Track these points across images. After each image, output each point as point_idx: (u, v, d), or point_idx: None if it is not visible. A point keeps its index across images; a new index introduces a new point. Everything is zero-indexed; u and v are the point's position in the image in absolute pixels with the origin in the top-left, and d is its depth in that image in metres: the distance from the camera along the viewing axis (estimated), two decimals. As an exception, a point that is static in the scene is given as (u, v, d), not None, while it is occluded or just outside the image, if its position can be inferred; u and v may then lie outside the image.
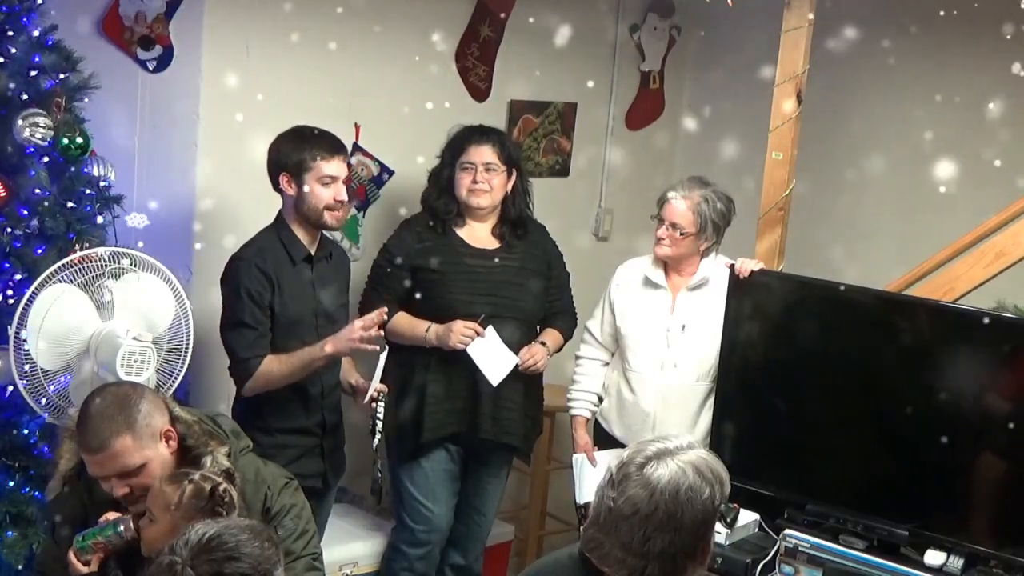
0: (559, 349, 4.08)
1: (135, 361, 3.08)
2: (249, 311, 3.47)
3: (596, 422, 4.05)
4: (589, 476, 3.92)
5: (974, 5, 4.22)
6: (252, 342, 3.48)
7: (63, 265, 3.17)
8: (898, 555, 3.42)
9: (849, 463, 3.60)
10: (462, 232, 3.95)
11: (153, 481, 2.60)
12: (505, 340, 3.84)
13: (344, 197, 3.57)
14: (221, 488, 2.54)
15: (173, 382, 3.28)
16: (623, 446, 3.42)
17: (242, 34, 4.03)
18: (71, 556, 2.61)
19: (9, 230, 3.37)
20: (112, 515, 2.64)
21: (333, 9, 4.19)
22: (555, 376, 4.23)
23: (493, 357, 3.82)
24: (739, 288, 3.75)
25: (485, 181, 3.89)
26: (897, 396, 3.50)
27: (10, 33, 3.37)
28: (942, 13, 4.27)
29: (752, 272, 3.74)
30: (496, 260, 3.94)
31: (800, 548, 3.49)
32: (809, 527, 3.54)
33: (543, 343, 3.97)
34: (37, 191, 3.39)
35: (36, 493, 3.37)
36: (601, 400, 4.03)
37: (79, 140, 3.45)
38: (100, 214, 3.51)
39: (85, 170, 3.51)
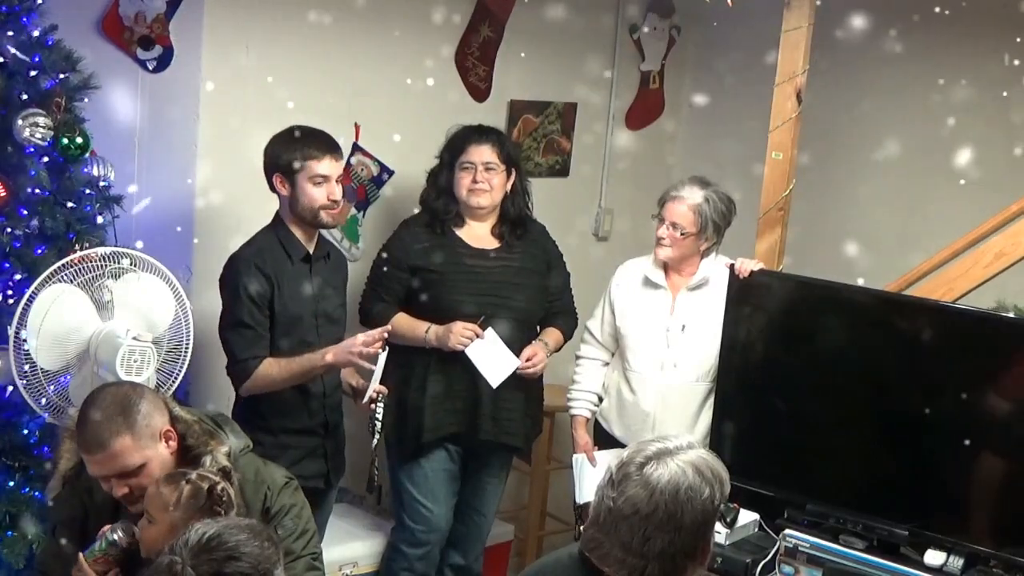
0: (559, 349, 4.08)
1: (135, 361, 3.08)
2: (248, 311, 3.47)
3: (596, 422, 4.05)
4: (589, 476, 3.92)
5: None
6: (251, 342, 3.48)
7: (63, 265, 3.17)
8: (898, 555, 3.42)
9: (849, 463, 3.60)
10: (462, 232, 3.95)
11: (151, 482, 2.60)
12: (505, 340, 3.83)
13: (338, 196, 3.56)
14: (219, 487, 2.54)
15: (173, 382, 3.28)
16: (623, 446, 3.42)
17: (242, 34, 4.03)
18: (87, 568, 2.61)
19: (9, 230, 3.36)
20: (107, 527, 2.64)
21: (333, 9, 4.19)
22: (555, 376, 4.23)
23: (493, 359, 3.82)
24: (739, 288, 3.75)
25: (485, 181, 3.89)
26: (897, 396, 3.51)
27: (10, 33, 3.36)
28: (937, 10, 4.27)
29: (752, 272, 3.74)
30: (496, 260, 3.94)
31: (800, 548, 3.49)
32: (809, 527, 3.54)
33: (544, 342, 3.97)
34: (37, 191, 3.39)
35: (36, 493, 3.37)
36: (601, 400, 4.03)
37: (79, 140, 3.45)
38: (100, 214, 3.51)
39: (85, 170, 3.51)
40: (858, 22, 4.47)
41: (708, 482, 2.14)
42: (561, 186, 5.01)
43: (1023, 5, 4.04)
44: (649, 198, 4.08)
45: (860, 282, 4.09)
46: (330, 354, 3.45)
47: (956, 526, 3.40)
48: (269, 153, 3.58)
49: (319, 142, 3.55)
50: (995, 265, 3.63)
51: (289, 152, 3.52)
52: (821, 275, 3.82)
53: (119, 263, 3.23)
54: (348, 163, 4.27)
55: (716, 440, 3.73)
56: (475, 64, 4.65)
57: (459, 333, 3.78)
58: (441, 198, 3.94)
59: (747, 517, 3.70)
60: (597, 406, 4.03)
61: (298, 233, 3.59)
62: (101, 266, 3.20)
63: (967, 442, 3.37)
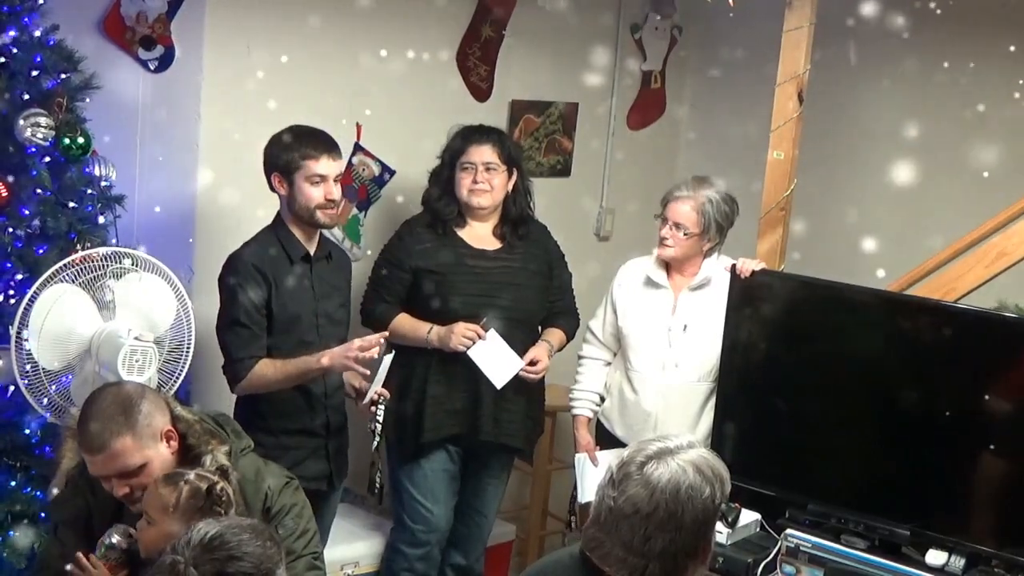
0: (561, 349, 4.08)
1: (136, 361, 3.07)
2: (244, 310, 3.47)
3: (598, 422, 4.05)
4: (591, 476, 3.92)
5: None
6: (246, 341, 3.48)
7: (64, 265, 3.17)
8: (899, 555, 3.41)
9: (850, 463, 3.60)
10: (463, 233, 3.95)
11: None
12: (507, 341, 3.83)
13: (335, 195, 3.56)
14: (218, 487, 2.54)
15: (174, 382, 3.28)
16: (625, 446, 3.40)
17: (243, 34, 4.03)
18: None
19: (10, 230, 3.36)
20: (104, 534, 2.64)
21: (334, 9, 4.20)
22: (556, 376, 4.22)
23: (496, 360, 3.82)
24: (740, 288, 3.75)
25: (485, 181, 3.89)
26: (898, 396, 3.50)
27: (11, 33, 3.37)
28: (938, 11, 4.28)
29: (753, 272, 3.74)
30: (497, 260, 3.94)
31: (801, 548, 3.48)
32: (810, 527, 3.54)
33: (548, 343, 3.97)
34: (38, 191, 3.39)
35: (38, 493, 3.37)
36: (603, 400, 4.03)
37: (80, 140, 3.45)
38: (101, 214, 3.51)
39: (86, 170, 3.51)
40: (859, 21, 4.47)
41: (709, 481, 2.13)
42: (562, 186, 5.01)
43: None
44: (651, 198, 4.08)
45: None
46: (326, 358, 3.44)
47: (958, 526, 3.40)
48: (268, 153, 3.58)
49: (316, 141, 3.55)
50: (997, 265, 3.63)
51: (287, 152, 3.52)
52: (822, 275, 3.81)
53: (120, 263, 3.23)
54: (349, 163, 4.28)
55: (717, 440, 3.72)
56: (476, 64, 4.65)
57: (461, 334, 3.78)
58: (442, 198, 3.94)
59: (748, 517, 3.70)
60: (599, 406, 4.03)
61: (298, 233, 3.59)
62: (103, 266, 3.20)
63: (969, 442, 3.37)
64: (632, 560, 2.11)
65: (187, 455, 2.70)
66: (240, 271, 3.50)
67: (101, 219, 3.51)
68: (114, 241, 3.51)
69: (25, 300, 3.12)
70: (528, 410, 4.00)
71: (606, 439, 4.00)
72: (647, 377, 3.88)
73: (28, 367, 3.12)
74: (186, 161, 4.03)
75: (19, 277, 3.34)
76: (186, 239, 4.02)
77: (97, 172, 3.54)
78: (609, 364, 4.03)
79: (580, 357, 4.08)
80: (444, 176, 3.96)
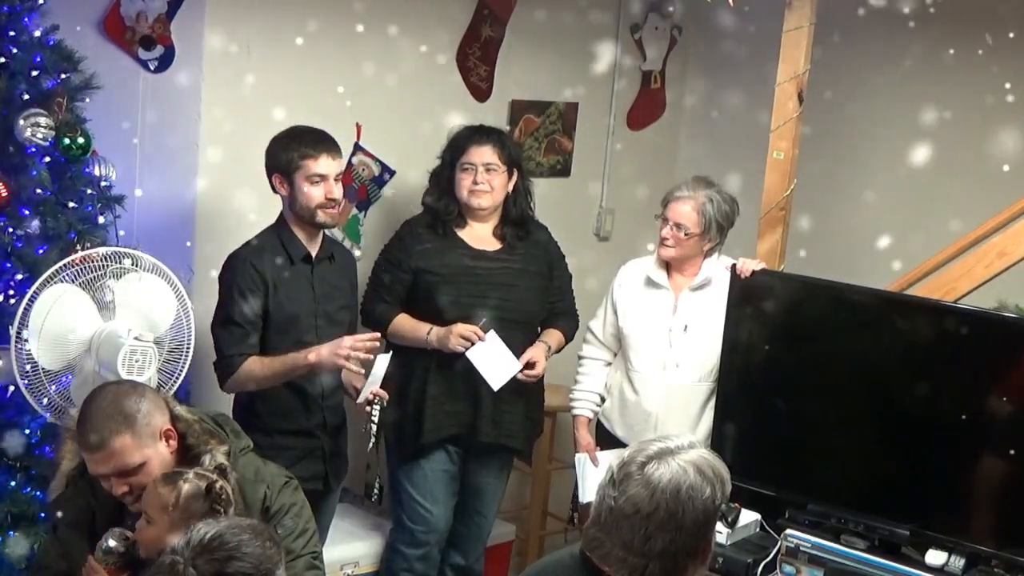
0: (560, 350, 4.08)
1: (136, 361, 3.07)
2: (238, 309, 3.48)
3: (598, 422, 4.05)
4: (591, 476, 3.92)
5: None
6: (238, 339, 3.49)
7: (64, 265, 3.17)
8: (899, 555, 3.42)
9: (850, 463, 3.60)
10: (463, 233, 3.95)
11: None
12: (506, 341, 3.82)
13: (336, 195, 3.56)
14: (217, 486, 2.54)
15: (174, 382, 3.28)
16: (625, 446, 3.41)
17: (243, 34, 4.03)
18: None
19: (10, 230, 3.36)
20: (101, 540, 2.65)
21: (334, 9, 4.20)
22: (556, 376, 4.23)
23: (495, 361, 3.81)
24: (740, 288, 3.75)
25: (486, 182, 3.88)
26: (898, 396, 3.50)
27: (11, 33, 3.36)
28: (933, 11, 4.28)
29: (753, 272, 3.75)
30: (497, 261, 3.93)
31: (801, 548, 3.49)
32: (810, 527, 3.54)
33: (546, 344, 3.97)
34: (38, 191, 3.39)
35: (38, 493, 3.36)
36: (603, 400, 4.03)
37: (80, 140, 3.45)
38: (101, 214, 3.51)
39: (86, 170, 3.51)
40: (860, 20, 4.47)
41: (709, 481, 2.13)
42: (562, 186, 5.01)
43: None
44: (651, 198, 4.09)
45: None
46: (313, 354, 3.44)
47: (957, 526, 3.40)
48: (268, 154, 3.58)
49: (316, 141, 3.55)
50: (997, 265, 3.63)
51: (287, 152, 3.53)
52: (822, 275, 3.81)
53: (120, 263, 3.23)
54: (349, 163, 4.28)
55: (718, 440, 3.73)
56: (476, 64, 4.65)
57: (460, 335, 3.77)
58: (443, 199, 3.94)
59: (748, 517, 3.70)
60: (599, 406, 4.03)
61: (300, 233, 3.59)
62: (102, 266, 3.20)
63: (969, 442, 3.37)
64: (632, 560, 2.11)
65: (186, 455, 2.70)
66: (237, 270, 3.51)
67: (101, 219, 3.51)
68: (114, 241, 3.51)
69: (25, 300, 3.11)
70: (527, 411, 4.00)
71: (606, 439, 4.00)
72: (648, 377, 3.88)
73: (28, 367, 3.11)
74: (186, 161, 4.03)
75: (19, 277, 3.34)
76: (186, 239, 4.02)
77: (97, 172, 3.53)
78: (609, 364, 4.03)
79: (580, 357, 4.08)
80: (444, 176, 3.95)
